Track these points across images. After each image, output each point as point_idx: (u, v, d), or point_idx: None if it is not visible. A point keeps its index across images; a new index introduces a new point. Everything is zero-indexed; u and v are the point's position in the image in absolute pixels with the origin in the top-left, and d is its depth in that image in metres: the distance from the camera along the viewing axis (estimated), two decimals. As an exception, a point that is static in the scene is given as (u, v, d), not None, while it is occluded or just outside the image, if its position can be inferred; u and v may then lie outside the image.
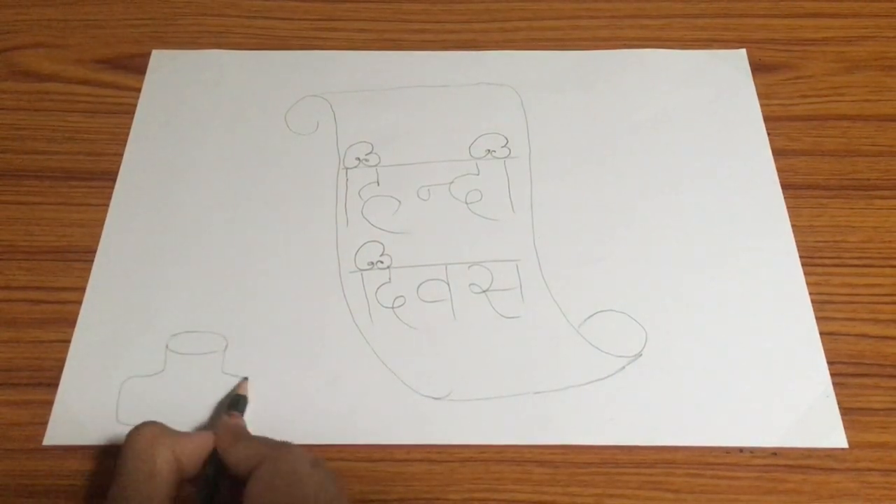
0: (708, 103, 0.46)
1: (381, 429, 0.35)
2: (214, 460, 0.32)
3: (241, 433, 0.33)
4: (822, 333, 0.38)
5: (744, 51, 0.49)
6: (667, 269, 0.40)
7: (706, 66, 0.48)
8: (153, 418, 0.35)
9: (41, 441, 0.35)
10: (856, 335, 0.38)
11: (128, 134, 0.45)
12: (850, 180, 0.43)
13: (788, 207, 0.42)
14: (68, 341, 0.38)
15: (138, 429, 0.31)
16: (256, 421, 0.36)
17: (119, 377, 0.37)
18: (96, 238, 0.41)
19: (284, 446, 0.31)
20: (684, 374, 0.37)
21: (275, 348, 0.38)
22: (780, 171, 0.44)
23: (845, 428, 0.35)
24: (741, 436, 0.35)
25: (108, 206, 0.42)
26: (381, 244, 0.41)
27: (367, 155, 0.45)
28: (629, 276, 0.40)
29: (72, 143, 0.45)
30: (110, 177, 0.44)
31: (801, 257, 0.40)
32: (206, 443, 0.32)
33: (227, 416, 0.34)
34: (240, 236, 0.41)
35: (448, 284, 0.40)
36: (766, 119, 0.46)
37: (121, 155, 0.44)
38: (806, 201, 0.43)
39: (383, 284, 0.40)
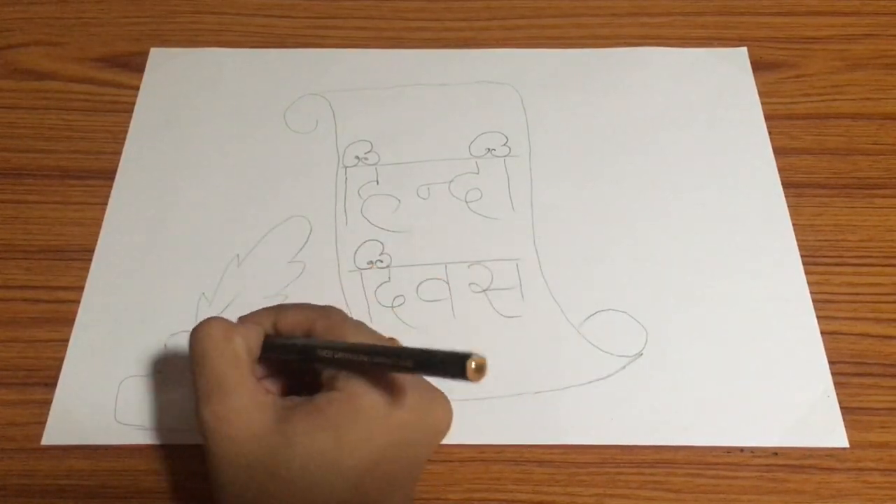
0: (709, 101, 0.46)
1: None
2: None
3: (276, 307, 0.32)
4: (823, 333, 0.38)
5: (745, 49, 0.49)
6: (667, 268, 0.40)
7: (707, 65, 0.48)
8: (152, 418, 0.36)
9: (39, 440, 0.35)
10: (857, 334, 0.38)
11: (126, 132, 0.45)
12: (852, 179, 0.43)
13: (789, 206, 0.42)
14: (66, 340, 0.38)
15: (208, 324, 0.29)
16: (255, 421, 0.36)
17: (117, 376, 0.37)
18: (95, 237, 0.41)
19: (328, 307, 0.31)
20: (685, 374, 0.37)
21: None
22: (781, 169, 0.43)
23: (846, 428, 0.35)
24: (742, 435, 0.35)
25: (106, 204, 0.42)
26: (381, 243, 0.41)
27: (366, 153, 0.44)
28: (630, 275, 0.40)
29: (70, 142, 0.45)
30: (109, 175, 0.43)
31: (802, 256, 0.40)
32: (260, 329, 0.31)
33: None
34: (238, 235, 0.41)
35: (448, 284, 0.40)
36: (767, 117, 0.45)
37: (119, 153, 0.44)
38: (807, 200, 0.42)
39: (383, 284, 0.40)
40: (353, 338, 0.29)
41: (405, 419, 0.28)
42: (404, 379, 0.28)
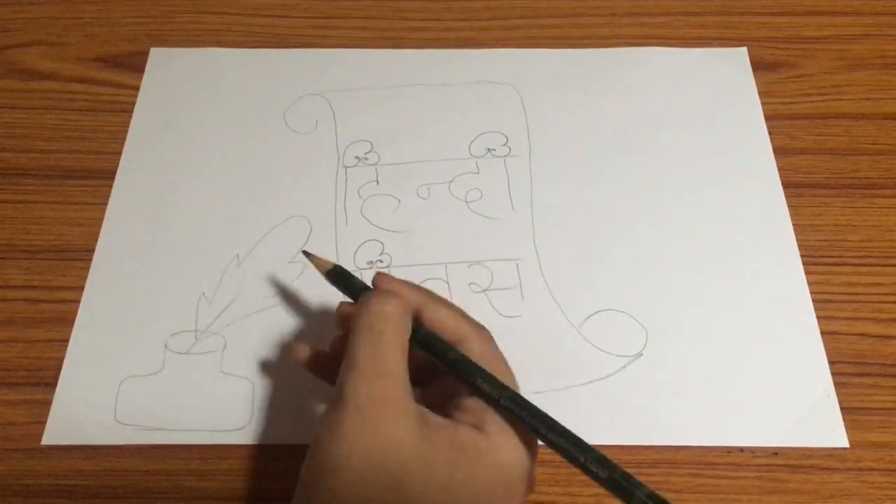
0: (709, 102, 0.46)
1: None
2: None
3: (427, 292, 0.30)
4: (823, 333, 0.38)
5: (745, 49, 0.49)
6: (667, 268, 0.40)
7: (707, 65, 0.48)
8: (152, 418, 0.36)
9: (39, 441, 0.35)
10: (857, 334, 0.38)
11: (126, 132, 0.45)
12: (852, 179, 0.43)
13: (789, 206, 0.42)
14: (66, 340, 0.38)
15: (390, 301, 0.28)
16: (256, 421, 0.36)
17: (117, 376, 0.37)
18: (95, 237, 0.41)
19: (482, 327, 0.30)
20: (685, 374, 0.37)
21: (274, 348, 0.38)
22: (781, 169, 0.43)
23: (846, 427, 0.35)
24: (742, 435, 0.35)
25: (106, 205, 0.42)
26: (381, 243, 0.41)
27: (366, 153, 0.44)
28: (630, 275, 0.40)
29: (70, 142, 0.45)
30: (109, 175, 0.43)
31: (802, 256, 0.40)
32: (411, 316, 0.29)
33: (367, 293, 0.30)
34: (238, 235, 0.41)
35: (448, 283, 0.40)
36: (767, 117, 0.45)
37: (119, 153, 0.44)
38: (807, 200, 0.42)
39: (383, 283, 0.40)
40: (504, 379, 0.28)
41: (521, 491, 0.27)
42: (534, 452, 0.27)
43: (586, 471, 0.25)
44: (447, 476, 0.25)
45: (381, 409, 0.25)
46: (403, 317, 0.28)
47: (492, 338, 0.30)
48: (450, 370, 0.28)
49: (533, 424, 0.26)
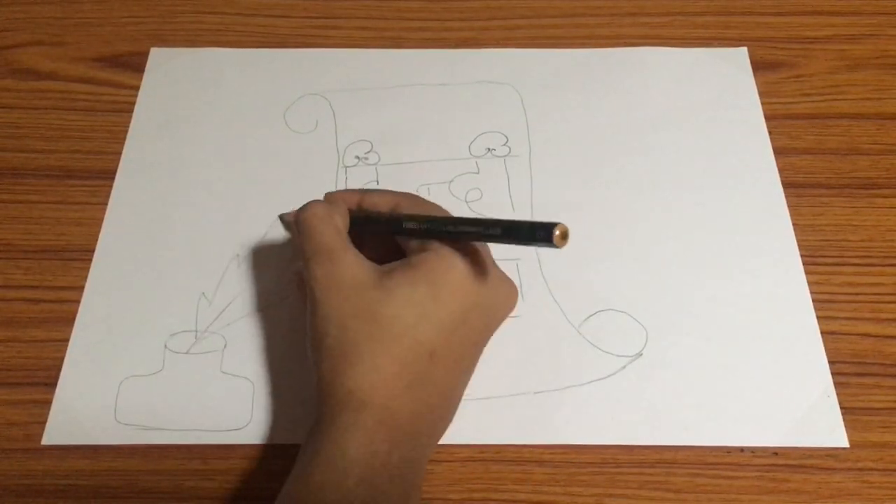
0: (709, 102, 0.46)
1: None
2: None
3: (361, 189, 0.37)
4: (823, 333, 0.38)
5: (745, 49, 0.49)
6: (668, 268, 0.40)
7: (707, 65, 0.48)
8: (152, 418, 0.36)
9: (39, 440, 0.35)
10: (857, 334, 0.38)
11: (126, 132, 0.45)
12: (852, 179, 0.43)
13: (790, 206, 0.42)
14: (67, 340, 0.38)
15: (312, 205, 0.34)
16: (256, 421, 0.36)
17: (118, 376, 0.37)
18: (95, 237, 0.41)
19: (411, 194, 0.36)
20: (685, 374, 0.37)
21: (274, 348, 0.38)
22: (781, 169, 0.43)
23: (846, 428, 0.35)
24: (742, 435, 0.35)
25: (106, 204, 0.42)
26: (381, 243, 0.41)
27: (366, 153, 0.44)
28: (630, 275, 0.40)
29: (70, 142, 0.45)
30: (109, 175, 0.43)
31: (802, 256, 0.40)
32: (346, 208, 0.35)
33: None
34: (238, 235, 0.41)
35: (448, 283, 0.40)
36: (768, 117, 0.45)
37: (119, 153, 0.44)
38: (807, 200, 0.42)
39: (383, 283, 0.40)
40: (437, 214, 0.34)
41: (487, 288, 0.32)
42: (486, 255, 0.33)
43: (497, 238, 0.30)
44: (414, 295, 0.30)
45: (337, 275, 0.31)
46: (327, 208, 0.34)
47: (419, 197, 0.36)
48: (385, 231, 0.34)
49: (444, 229, 0.32)
